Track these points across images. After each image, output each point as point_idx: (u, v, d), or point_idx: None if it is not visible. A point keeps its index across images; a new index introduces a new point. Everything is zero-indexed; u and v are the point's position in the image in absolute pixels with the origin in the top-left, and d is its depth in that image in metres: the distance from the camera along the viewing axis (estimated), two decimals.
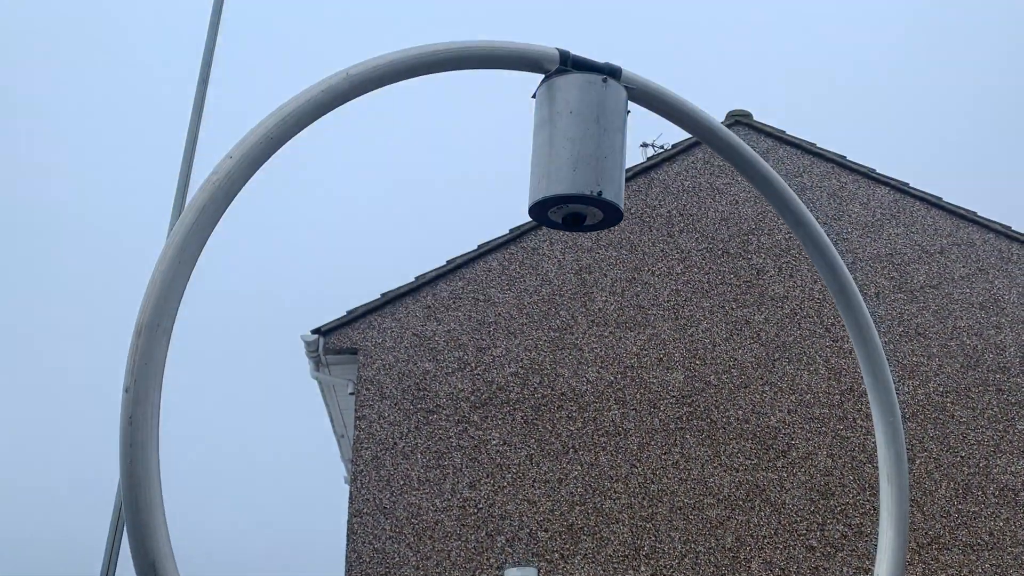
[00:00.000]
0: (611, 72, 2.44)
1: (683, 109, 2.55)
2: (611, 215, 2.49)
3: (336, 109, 2.20)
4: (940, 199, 10.88)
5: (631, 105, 2.55)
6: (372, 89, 2.14)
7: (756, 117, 11.20)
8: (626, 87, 2.45)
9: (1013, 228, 10.77)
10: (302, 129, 2.04)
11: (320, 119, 2.15)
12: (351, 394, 9.95)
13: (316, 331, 9.99)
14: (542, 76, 2.47)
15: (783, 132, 11.01)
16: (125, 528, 1.71)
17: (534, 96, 2.52)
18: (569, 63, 2.43)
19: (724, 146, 2.61)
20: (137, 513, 1.66)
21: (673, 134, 11.23)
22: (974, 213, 10.85)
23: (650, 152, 11.67)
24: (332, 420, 11.57)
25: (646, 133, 11.88)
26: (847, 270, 2.64)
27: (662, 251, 10.47)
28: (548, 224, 2.57)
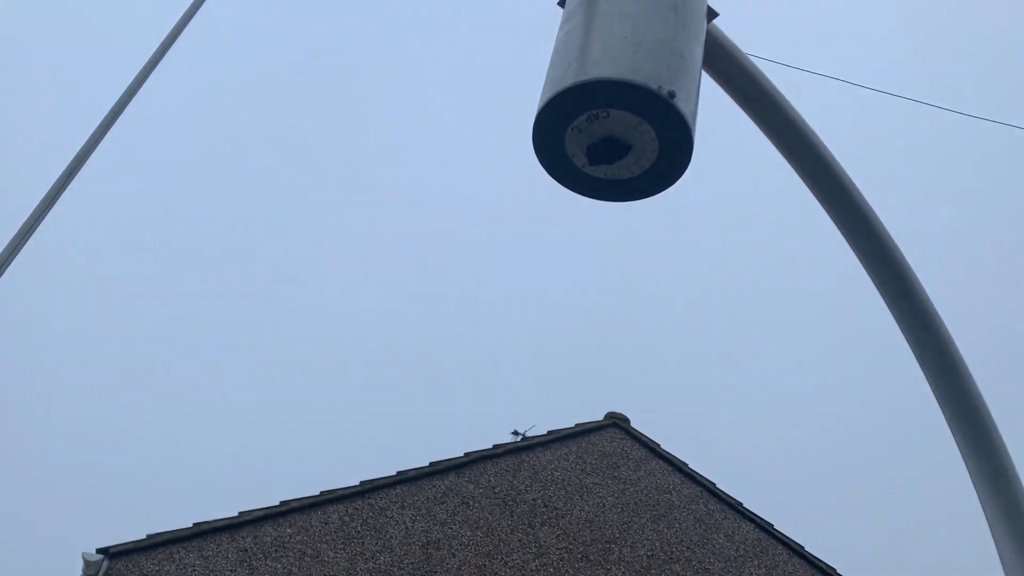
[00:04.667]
0: None
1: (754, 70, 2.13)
2: (665, 167, 1.78)
3: None
4: (803, 547, 10.56)
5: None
6: None
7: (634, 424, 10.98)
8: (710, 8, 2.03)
9: None
10: None
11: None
12: None
13: (103, 551, 8.25)
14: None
15: (658, 444, 10.76)
16: None
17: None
18: None
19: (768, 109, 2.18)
20: None
21: (548, 423, 10.78)
22: (834, 569, 10.53)
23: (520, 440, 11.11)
24: None
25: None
26: None
27: (520, 541, 9.50)
28: (553, 164, 1.85)
